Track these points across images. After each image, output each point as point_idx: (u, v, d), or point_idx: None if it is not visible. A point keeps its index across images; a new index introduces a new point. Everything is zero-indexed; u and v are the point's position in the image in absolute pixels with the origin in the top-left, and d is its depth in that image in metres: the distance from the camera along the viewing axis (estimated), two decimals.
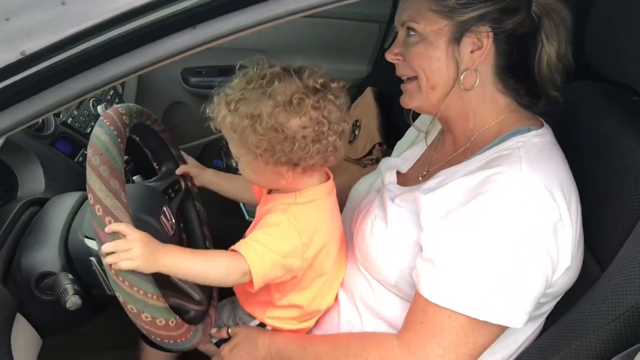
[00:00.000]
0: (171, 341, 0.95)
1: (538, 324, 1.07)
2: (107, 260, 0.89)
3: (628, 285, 0.90)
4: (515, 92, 1.07)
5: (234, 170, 1.90)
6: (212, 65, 2.21)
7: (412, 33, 1.03)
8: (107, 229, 0.88)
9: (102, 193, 0.90)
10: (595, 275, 1.02)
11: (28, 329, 1.09)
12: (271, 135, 0.95)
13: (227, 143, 1.97)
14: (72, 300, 1.00)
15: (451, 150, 1.12)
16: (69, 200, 1.20)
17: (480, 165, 0.99)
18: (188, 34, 0.67)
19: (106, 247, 0.89)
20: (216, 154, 2.03)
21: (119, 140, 0.99)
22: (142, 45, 0.67)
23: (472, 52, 1.01)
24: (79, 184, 1.32)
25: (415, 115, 1.25)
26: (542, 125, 1.06)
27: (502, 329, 0.95)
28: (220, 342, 1.22)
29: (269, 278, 1.01)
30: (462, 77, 1.01)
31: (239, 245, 0.99)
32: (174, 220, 1.14)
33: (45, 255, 1.08)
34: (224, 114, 0.98)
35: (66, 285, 1.01)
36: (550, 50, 1.02)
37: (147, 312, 0.90)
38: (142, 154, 1.30)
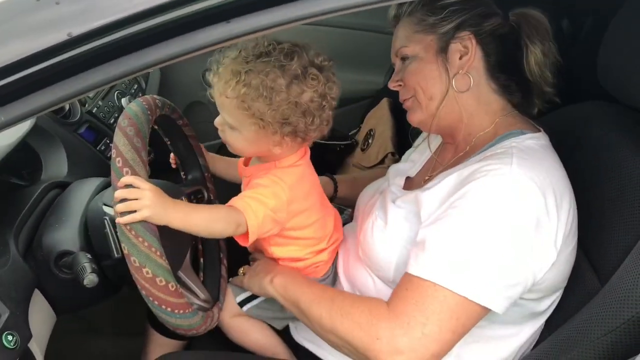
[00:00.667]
0: (168, 309, 0.96)
1: (535, 329, 1.09)
2: (118, 208, 0.93)
3: (628, 296, 0.92)
4: (507, 90, 1.13)
5: None
6: None
7: (407, 59, 1.13)
8: (122, 180, 0.93)
9: (124, 147, 0.95)
10: (593, 287, 1.05)
11: (44, 305, 1.13)
12: (285, 107, 1.01)
13: None
14: (90, 278, 1.04)
15: (451, 155, 1.18)
16: (91, 184, 1.25)
17: (474, 162, 1.04)
18: (222, 28, 0.71)
19: (119, 193, 0.93)
20: (230, 154, 2.06)
21: (149, 113, 1.05)
22: (178, 35, 0.71)
23: (460, 57, 1.09)
24: (101, 170, 1.37)
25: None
26: (538, 131, 1.10)
27: (485, 312, 0.97)
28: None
29: (261, 231, 1.07)
30: (454, 81, 1.09)
31: (235, 201, 1.06)
32: None
33: (66, 235, 1.12)
34: (231, 84, 1.01)
35: (85, 264, 1.05)
36: (535, 50, 1.10)
37: (149, 267, 0.92)
38: (165, 153, 1.35)
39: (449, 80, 1.10)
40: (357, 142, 2.04)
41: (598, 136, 1.17)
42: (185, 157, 1.28)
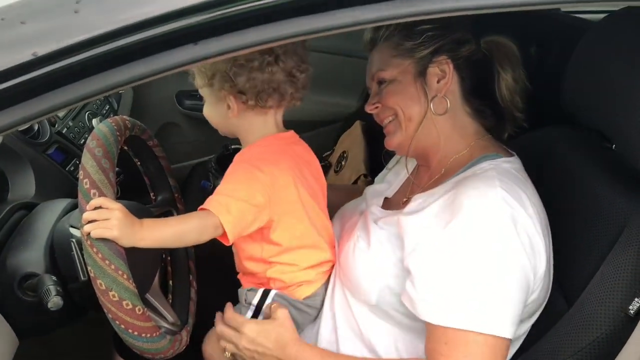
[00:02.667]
0: (135, 332, 0.95)
1: (510, 355, 1.08)
2: (85, 229, 0.91)
3: (592, 318, 0.94)
4: (481, 114, 1.15)
5: None
6: None
7: (383, 82, 1.15)
8: (90, 203, 0.92)
9: (92, 169, 0.94)
10: (562, 309, 1.06)
11: (6, 329, 1.10)
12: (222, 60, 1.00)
13: (214, 165, 2.01)
14: (54, 301, 1.02)
15: (427, 178, 1.18)
16: (58, 205, 1.23)
17: (455, 184, 1.04)
18: (190, 49, 0.71)
19: (86, 215, 0.92)
20: (204, 175, 2.04)
21: (118, 134, 1.04)
22: (145, 57, 0.71)
23: (438, 81, 1.12)
24: (69, 191, 1.36)
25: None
26: (512, 155, 1.12)
27: (507, 343, 0.95)
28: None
29: (241, 226, 1.03)
30: (432, 104, 1.11)
31: (206, 203, 1.03)
32: None
33: (31, 257, 1.10)
34: None
35: (49, 286, 1.03)
36: (506, 76, 1.12)
37: (116, 290, 0.91)
38: (134, 173, 1.33)
39: (427, 103, 1.12)
40: (331, 163, 2.05)
41: (562, 160, 1.19)
42: (155, 177, 1.27)
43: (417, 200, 1.09)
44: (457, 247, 0.96)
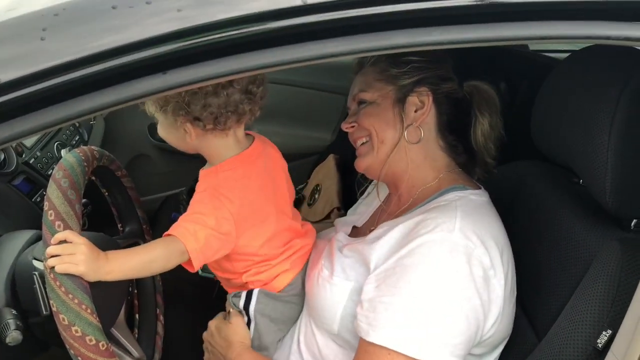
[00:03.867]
0: None
1: None
2: (49, 263, 0.89)
3: (560, 354, 0.94)
4: (454, 150, 1.17)
5: None
6: None
7: (363, 103, 1.17)
8: (55, 237, 0.89)
9: (58, 200, 0.92)
10: (532, 343, 1.06)
11: None
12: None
13: (186, 197, 1.99)
14: (13, 336, 0.99)
15: (396, 207, 1.19)
16: (22, 237, 1.20)
17: (419, 213, 1.05)
18: (159, 78, 0.71)
19: (51, 250, 0.90)
20: (175, 207, 2.04)
21: (85, 165, 1.02)
22: (113, 85, 0.70)
23: (415, 111, 1.14)
24: (34, 223, 1.32)
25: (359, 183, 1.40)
26: (479, 188, 1.13)
27: None
28: None
29: (208, 254, 1.03)
30: (406, 132, 1.13)
31: (173, 228, 1.02)
32: None
33: None
34: None
35: (8, 320, 1.00)
36: (483, 121, 1.15)
37: (79, 325, 0.88)
38: (102, 203, 1.31)
39: (402, 130, 1.13)
40: (304, 196, 2.04)
41: (532, 194, 1.21)
42: (123, 208, 1.25)
43: (382, 228, 1.10)
44: (404, 268, 0.97)
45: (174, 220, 1.95)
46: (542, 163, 1.25)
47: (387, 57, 1.15)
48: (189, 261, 1.02)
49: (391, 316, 0.96)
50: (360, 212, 1.34)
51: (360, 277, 1.06)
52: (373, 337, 0.96)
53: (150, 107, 1.07)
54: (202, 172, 1.12)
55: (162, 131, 1.11)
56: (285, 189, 1.22)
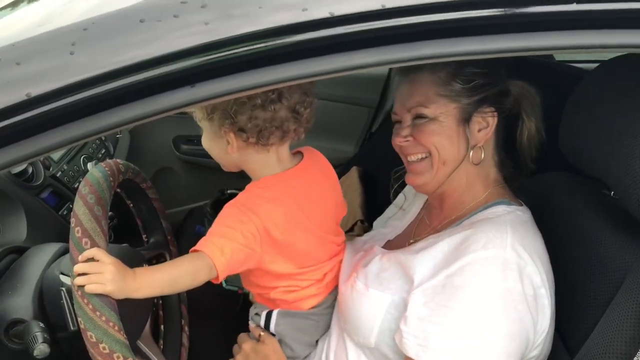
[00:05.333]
0: None
1: None
2: (77, 281, 0.89)
3: None
4: (505, 165, 1.14)
5: None
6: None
7: (421, 117, 1.09)
8: (83, 254, 0.90)
9: (85, 217, 0.92)
10: (562, 357, 1.03)
11: None
12: None
13: (210, 210, 1.99)
14: (41, 349, 0.99)
15: (438, 220, 1.16)
16: (49, 250, 1.21)
17: (467, 226, 1.02)
18: (186, 91, 0.71)
19: (78, 268, 0.89)
20: (199, 220, 2.03)
21: (111, 180, 1.03)
22: (141, 98, 0.70)
23: (479, 130, 1.09)
24: (61, 236, 1.33)
25: (396, 193, 1.32)
26: (522, 205, 1.10)
27: None
28: None
29: (233, 266, 1.02)
30: (470, 153, 1.08)
31: (199, 244, 1.00)
32: None
33: (19, 302, 1.07)
34: None
35: (36, 333, 1.00)
36: (530, 125, 1.11)
37: (106, 342, 0.87)
38: (127, 216, 1.31)
39: (465, 151, 1.09)
40: None
41: (560, 206, 1.17)
42: (148, 219, 1.26)
43: (427, 240, 1.07)
44: (455, 288, 0.94)
45: (199, 233, 1.99)
46: (570, 175, 1.21)
47: (448, 66, 1.07)
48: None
49: (444, 339, 0.93)
50: (393, 225, 1.31)
51: (399, 289, 1.03)
52: (425, 358, 0.94)
53: (198, 113, 1.06)
54: (239, 195, 1.11)
55: (205, 140, 1.10)
56: (332, 207, 1.19)
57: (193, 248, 1.01)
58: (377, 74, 2.24)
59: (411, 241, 1.17)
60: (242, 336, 1.23)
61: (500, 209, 1.06)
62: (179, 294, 1.30)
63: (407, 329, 0.97)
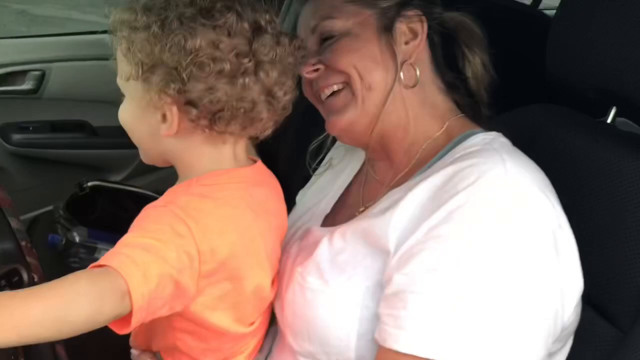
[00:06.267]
0: None
1: None
2: None
3: None
4: (455, 91, 0.94)
5: (77, 246, 1.50)
6: (42, 120, 1.93)
7: (330, 37, 0.89)
8: None
9: None
10: (601, 330, 0.85)
11: None
12: (169, 39, 0.72)
13: (64, 212, 1.58)
14: None
15: (390, 175, 0.92)
16: None
17: (441, 167, 0.79)
18: None
19: None
20: (51, 228, 1.63)
21: None
22: None
23: (406, 43, 0.89)
24: None
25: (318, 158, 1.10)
26: (501, 135, 0.90)
27: None
28: None
29: (155, 305, 0.68)
30: (401, 72, 0.87)
31: (107, 257, 0.67)
32: None
33: None
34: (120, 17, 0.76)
35: None
36: (474, 60, 0.93)
37: None
38: None
39: (395, 69, 0.87)
40: None
41: (554, 138, 1.01)
42: None
43: (389, 197, 0.82)
44: (442, 241, 0.72)
45: (53, 244, 1.55)
46: (555, 106, 1.06)
47: None
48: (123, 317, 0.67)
49: (434, 312, 0.70)
50: (324, 190, 1.04)
51: (371, 270, 0.79)
52: (408, 345, 0.69)
53: (124, 67, 0.77)
54: (173, 189, 0.81)
55: (127, 110, 0.82)
56: (280, 237, 0.91)
57: (95, 263, 0.67)
58: None
59: (362, 209, 0.91)
60: None
61: (479, 138, 0.84)
62: None
63: (385, 310, 0.74)
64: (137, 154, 0.89)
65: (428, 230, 0.72)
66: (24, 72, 1.83)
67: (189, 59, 0.72)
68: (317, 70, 0.89)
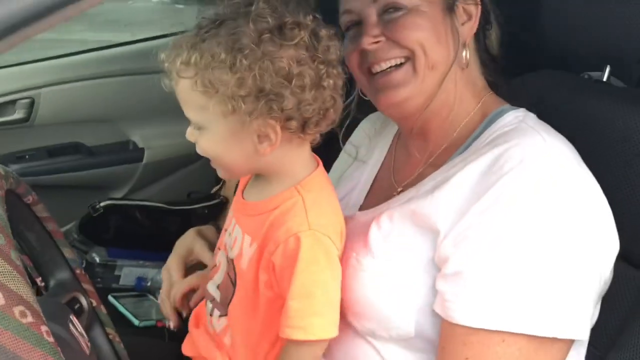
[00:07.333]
0: None
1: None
2: None
3: None
4: (488, 68, 0.94)
5: (97, 266, 1.49)
6: (36, 147, 1.87)
7: (397, 10, 0.86)
8: None
9: None
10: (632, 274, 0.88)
11: None
12: (257, 70, 0.72)
13: (77, 234, 1.55)
14: None
15: (426, 155, 0.93)
16: None
17: (481, 148, 0.81)
18: None
19: None
20: None
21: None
22: None
23: (462, 24, 0.88)
24: None
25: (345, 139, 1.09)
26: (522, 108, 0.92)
27: (569, 346, 0.75)
28: None
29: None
30: (464, 53, 0.87)
31: (292, 332, 0.77)
32: (86, 336, 0.73)
33: None
34: (183, 58, 0.74)
35: None
36: (491, 36, 0.94)
37: None
38: None
39: (455, 50, 0.86)
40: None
41: (557, 102, 1.02)
42: (40, 252, 0.84)
43: (432, 180, 0.83)
44: (495, 223, 0.73)
45: None
46: (553, 71, 1.07)
47: None
48: None
49: (495, 286, 0.72)
50: (353, 180, 1.04)
51: (424, 247, 0.79)
52: (474, 320, 0.72)
53: (215, 108, 0.74)
54: (274, 199, 0.82)
55: (213, 141, 0.79)
56: None
57: (295, 338, 0.78)
58: None
59: (400, 189, 0.92)
60: None
61: (511, 116, 0.86)
62: (114, 349, 0.87)
63: (445, 286, 0.76)
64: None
65: (480, 213, 0.74)
66: (12, 102, 1.76)
67: (281, 79, 0.73)
68: (379, 41, 0.87)
